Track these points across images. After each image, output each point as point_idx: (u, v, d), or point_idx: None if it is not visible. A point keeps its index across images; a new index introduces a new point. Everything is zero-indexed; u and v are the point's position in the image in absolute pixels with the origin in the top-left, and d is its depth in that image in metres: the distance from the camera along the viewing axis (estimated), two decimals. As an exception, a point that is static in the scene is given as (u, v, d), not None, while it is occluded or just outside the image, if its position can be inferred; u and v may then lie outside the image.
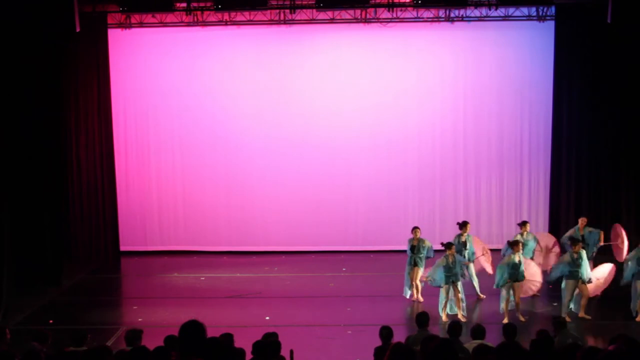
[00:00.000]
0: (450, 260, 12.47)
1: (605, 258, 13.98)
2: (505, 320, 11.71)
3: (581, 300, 12.34)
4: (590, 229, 13.93)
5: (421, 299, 13.46)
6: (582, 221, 14.08)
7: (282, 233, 17.77)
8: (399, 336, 8.05)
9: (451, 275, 12.44)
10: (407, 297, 13.56)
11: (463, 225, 13.72)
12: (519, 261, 12.29)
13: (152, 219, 17.91)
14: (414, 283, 13.48)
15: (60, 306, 13.77)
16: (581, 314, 12.34)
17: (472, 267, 13.66)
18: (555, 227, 16.67)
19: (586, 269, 12.17)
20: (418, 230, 13.57)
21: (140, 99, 17.68)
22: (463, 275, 12.80)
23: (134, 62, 17.58)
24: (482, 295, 13.61)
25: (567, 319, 11.69)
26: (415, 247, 13.43)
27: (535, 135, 17.57)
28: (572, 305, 12.37)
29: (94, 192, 17.22)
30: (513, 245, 12.45)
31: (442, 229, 16.92)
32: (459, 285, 12.52)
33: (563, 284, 12.30)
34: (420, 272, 13.35)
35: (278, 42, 17.49)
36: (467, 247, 13.58)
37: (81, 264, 16.73)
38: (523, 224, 14.04)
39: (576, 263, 12.13)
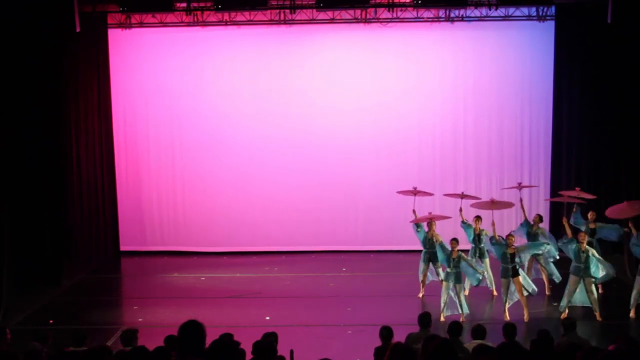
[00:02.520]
0: (454, 256, 12.20)
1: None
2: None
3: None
4: (601, 224, 13.64)
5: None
6: (591, 215, 13.79)
7: (282, 233, 17.74)
8: (399, 336, 8.04)
9: (452, 273, 12.12)
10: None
11: (478, 219, 13.88)
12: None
13: (152, 219, 17.89)
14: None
15: (60, 306, 13.76)
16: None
17: (487, 262, 13.59)
18: (556, 226, 16.63)
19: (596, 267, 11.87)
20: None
21: (140, 99, 17.66)
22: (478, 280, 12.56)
23: (134, 62, 17.56)
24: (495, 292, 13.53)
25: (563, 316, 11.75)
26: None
27: (535, 135, 17.55)
28: (567, 302, 12.13)
29: (94, 192, 17.22)
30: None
31: (442, 229, 16.83)
32: (461, 286, 12.26)
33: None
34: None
35: (278, 42, 17.48)
36: (482, 242, 13.58)
37: (81, 264, 16.70)
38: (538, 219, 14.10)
39: (580, 258, 11.94)
